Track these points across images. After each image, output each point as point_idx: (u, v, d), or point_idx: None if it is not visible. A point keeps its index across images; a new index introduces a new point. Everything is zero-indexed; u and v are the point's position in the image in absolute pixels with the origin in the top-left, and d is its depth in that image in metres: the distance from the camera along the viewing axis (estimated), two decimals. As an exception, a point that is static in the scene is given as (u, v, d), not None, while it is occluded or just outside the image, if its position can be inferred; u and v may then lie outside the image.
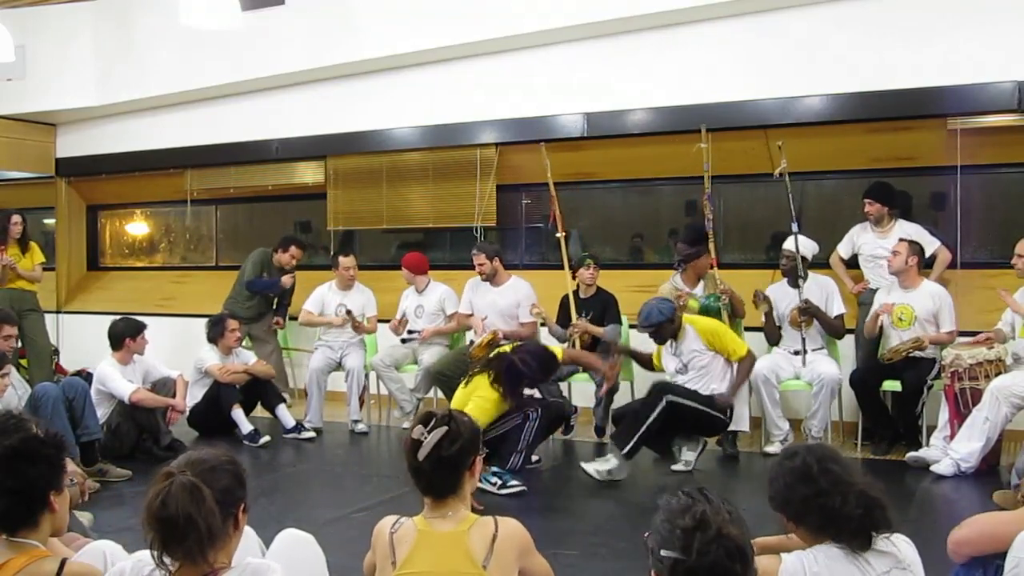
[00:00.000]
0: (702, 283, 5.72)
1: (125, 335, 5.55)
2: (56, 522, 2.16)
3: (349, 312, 6.40)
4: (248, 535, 2.26)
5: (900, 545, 2.08)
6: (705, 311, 5.50)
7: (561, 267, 6.19)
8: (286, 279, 6.98)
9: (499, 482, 4.52)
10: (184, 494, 1.77)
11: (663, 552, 1.64)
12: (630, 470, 4.77)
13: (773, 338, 5.69)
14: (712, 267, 5.66)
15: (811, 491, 2.03)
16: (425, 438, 2.19)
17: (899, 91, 5.59)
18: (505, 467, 4.58)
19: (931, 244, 5.57)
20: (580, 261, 5.99)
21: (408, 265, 6.61)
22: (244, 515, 1.93)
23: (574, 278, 6.01)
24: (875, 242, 5.66)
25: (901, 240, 5.36)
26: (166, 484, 1.80)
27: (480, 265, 6.18)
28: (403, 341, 6.55)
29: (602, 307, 5.91)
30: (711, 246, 5.62)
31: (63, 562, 2.03)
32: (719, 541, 1.62)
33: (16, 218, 6.81)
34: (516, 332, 5.98)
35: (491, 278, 6.21)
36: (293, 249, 6.94)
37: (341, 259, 6.59)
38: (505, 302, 6.15)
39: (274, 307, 7.24)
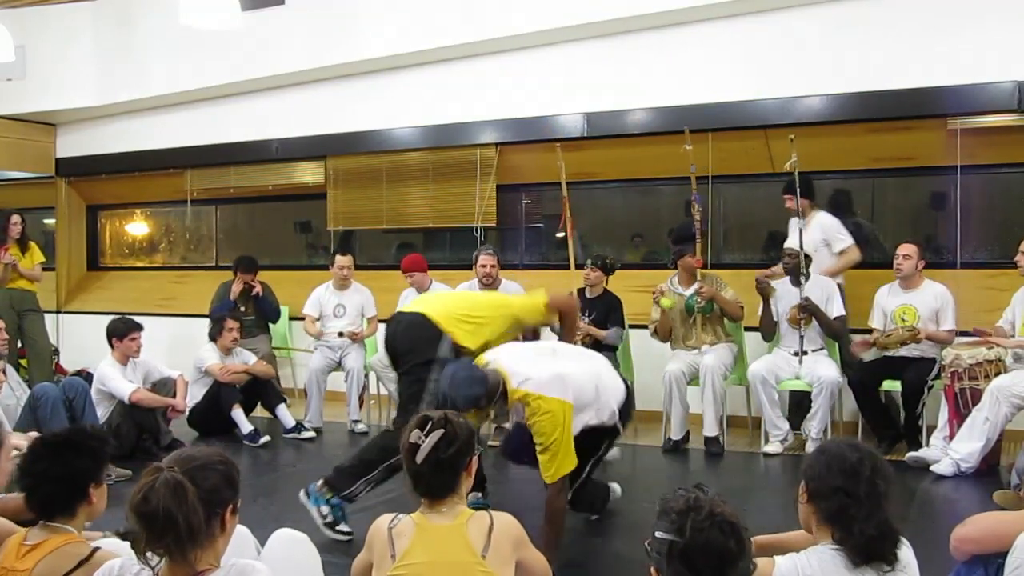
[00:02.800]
0: (698, 283, 5.70)
1: (112, 335, 5.56)
2: (92, 514, 2.22)
3: (342, 335, 6.41)
4: (244, 535, 2.26)
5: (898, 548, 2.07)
6: (689, 310, 5.53)
7: (561, 267, 6.17)
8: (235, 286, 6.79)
9: (331, 518, 3.76)
10: (166, 490, 1.75)
11: (658, 534, 1.65)
12: (630, 471, 4.75)
13: (769, 333, 5.66)
14: (697, 266, 5.54)
15: (846, 487, 2.01)
16: (422, 442, 2.20)
17: (899, 91, 5.58)
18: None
19: (842, 241, 5.63)
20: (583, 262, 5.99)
21: (409, 267, 6.55)
22: (233, 517, 1.89)
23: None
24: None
25: (908, 243, 5.35)
26: (151, 479, 1.79)
27: (492, 267, 6.12)
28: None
29: (606, 309, 5.87)
30: (697, 246, 5.52)
31: (95, 549, 2.07)
32: (712, 519, 1.64)
33: (15, 218, 6.81)
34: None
35: (494, 281, 6.18)
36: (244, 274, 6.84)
37: (337, 258, 6.56)
38: None
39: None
